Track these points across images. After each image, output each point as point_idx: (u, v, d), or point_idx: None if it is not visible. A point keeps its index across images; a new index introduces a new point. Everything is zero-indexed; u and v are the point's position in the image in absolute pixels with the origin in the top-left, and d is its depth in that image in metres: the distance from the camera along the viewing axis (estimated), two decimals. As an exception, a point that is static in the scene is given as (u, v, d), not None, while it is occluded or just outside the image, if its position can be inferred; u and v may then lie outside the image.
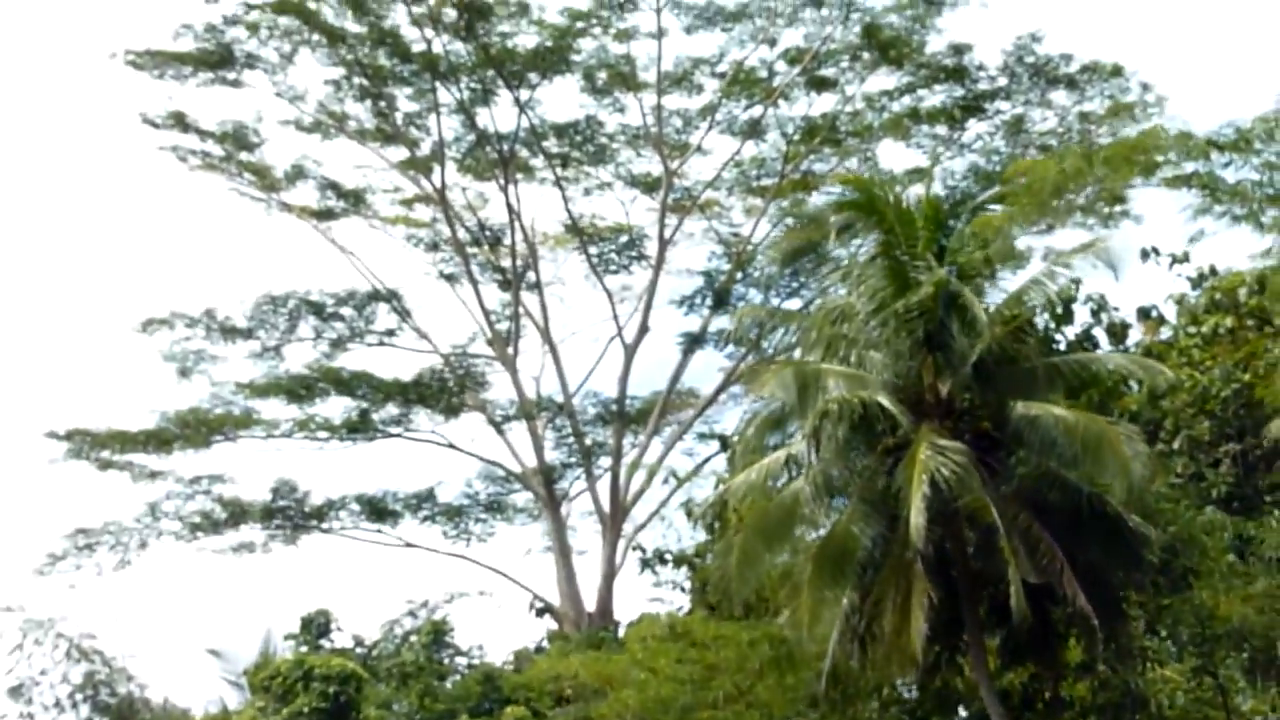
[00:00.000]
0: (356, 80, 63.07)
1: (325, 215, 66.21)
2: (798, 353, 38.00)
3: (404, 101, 64.91)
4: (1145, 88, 56.17)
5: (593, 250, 65.18)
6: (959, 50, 59.06)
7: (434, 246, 67.40)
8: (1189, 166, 36.83)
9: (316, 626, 44.97)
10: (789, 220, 60.99)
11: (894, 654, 33.20)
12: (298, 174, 65.70)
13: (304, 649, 50.90)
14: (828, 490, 34.50)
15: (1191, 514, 36.79)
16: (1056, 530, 33.08)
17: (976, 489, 32.44)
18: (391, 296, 64.46)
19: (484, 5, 59.39)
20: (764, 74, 63.35)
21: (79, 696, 50.31)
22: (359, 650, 54.82)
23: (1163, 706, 37.20)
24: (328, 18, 61.43)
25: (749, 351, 62.48)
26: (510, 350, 63.88)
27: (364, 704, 43.88)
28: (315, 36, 62.16)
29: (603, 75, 63.71)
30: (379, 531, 65.72)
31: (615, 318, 64.62)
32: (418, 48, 62.08)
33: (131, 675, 50.64)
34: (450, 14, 60.09)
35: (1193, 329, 43.46)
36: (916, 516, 31.22)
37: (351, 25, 61.31)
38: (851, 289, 35.81)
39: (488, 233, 65.45)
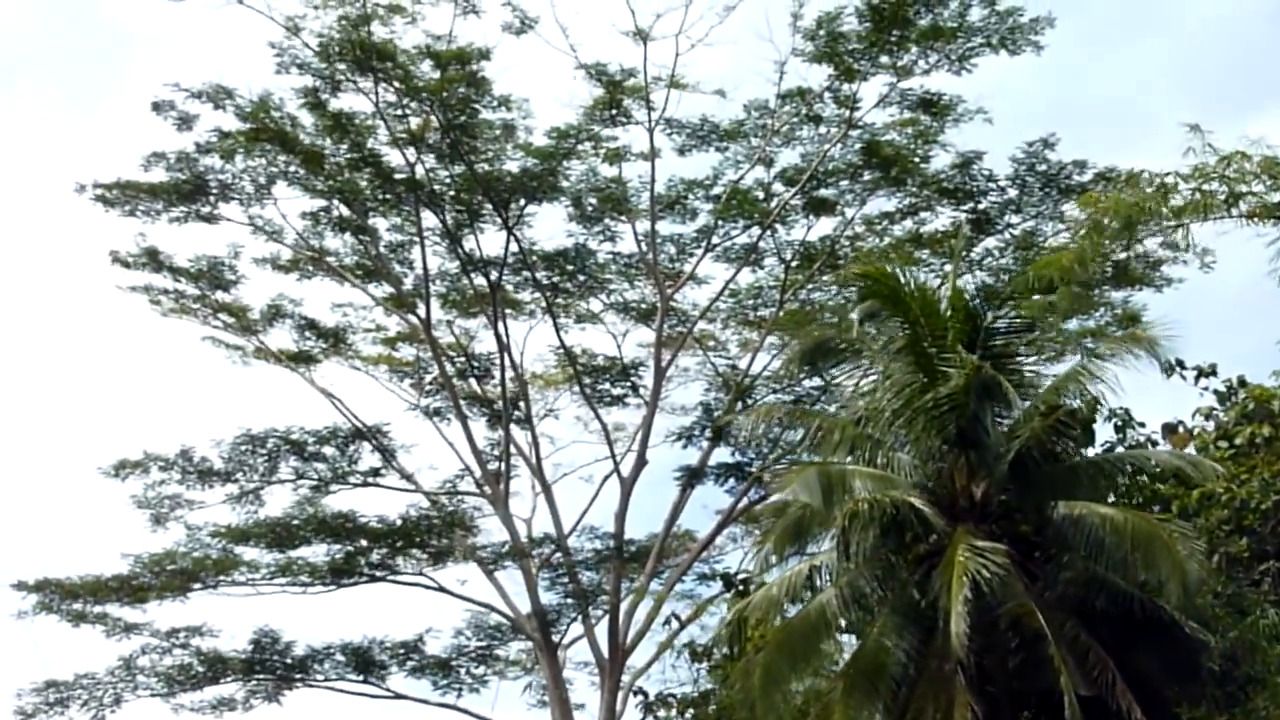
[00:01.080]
0: (336, 211, 60.92)
1: (304, 359, 63.63)
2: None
3: (386, 233, 62.40)
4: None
5: (586, 382, 62.15)
6: (967, 162, 56.61)
7: (418, 384, 64.81)
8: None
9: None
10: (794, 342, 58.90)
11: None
12: (275, 314, 63.85)
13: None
14: (856, 601, 32.15)
15: (1254, 618, 34.37)
16: (1105, 639, 31.07)
17: (1020, 594, 30.70)
18: (375, 433, 62.18)
19: (470, 125, 57.22)
20: (760, 195, 60.61)
21: None
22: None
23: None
24: (306, 141, 59.01)
25: (751, 482, 60.79)
26: (501, 488, 61.01)
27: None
28: (293, 167, 60.05)
29: (593, 200, 61.09)
30: (366, 682, 62.79)
31: (612, 454, 61.82)
32: (400, 175, 59.54)
33: None
34: (434, 136, 57.52)
35: (1223, 442, 41.27)
36: (958, 623, 29.30)
37: (332, 148, 58.55)
38: (877, 386, 33.63)
39: (475, 367, 62.91)
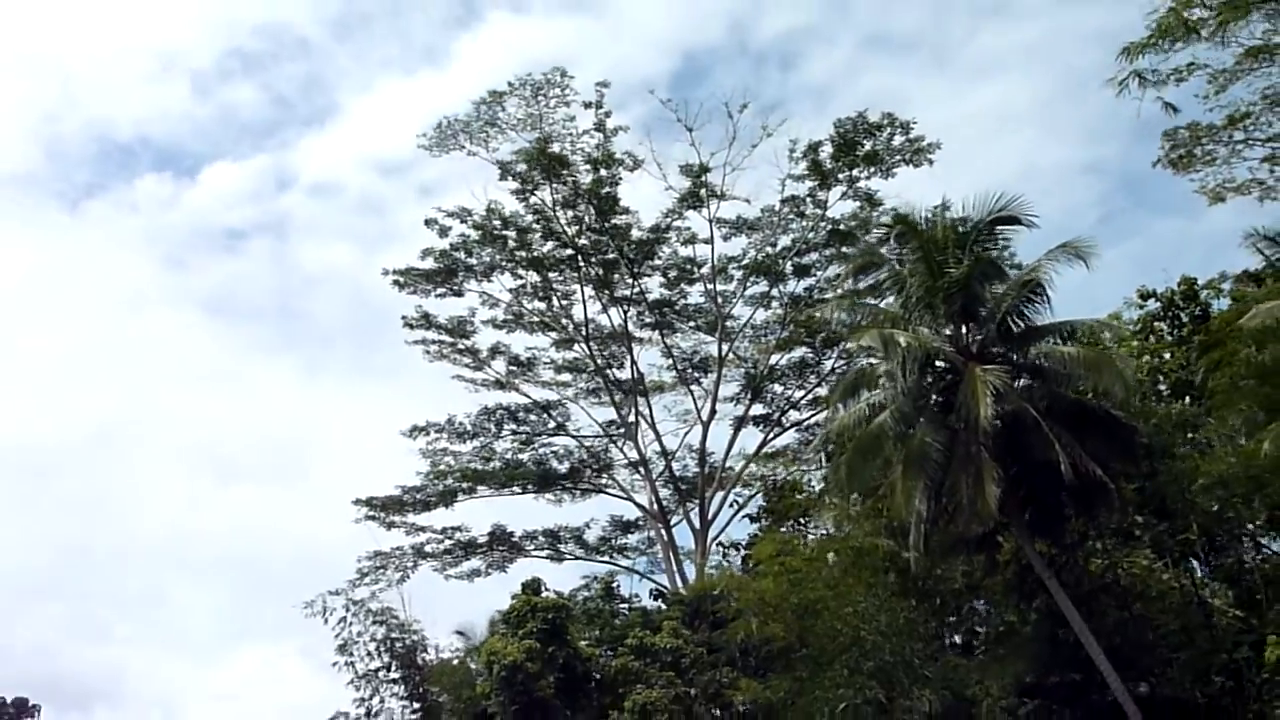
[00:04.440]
0: (529, 280, 55.39)
1: (508, 384, 57.52)
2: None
3: (557, 285, 56.76)
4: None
5: (679, 369, 56.90)
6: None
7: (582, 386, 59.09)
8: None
9: (532, 586, 36.62)
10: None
11: (971, 517, 24.52)
12: (494, 353, 57.01)
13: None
14: (903, 418, 26.21)
15: (1165, 408, 28.18)
16: (1073, 428, 25.68)
17: (1016, 398, 25.03)
18: (550, 407, 56.63)
19: (610, 197, 52.56)
20: (769, 263, 55.27)
21: (381, 648, 43.39)
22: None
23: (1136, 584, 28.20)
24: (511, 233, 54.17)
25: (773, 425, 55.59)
26: (636, 437, 56.28)
27: (570, 626, 35.28)
28: (503, 258, 55.05)
29: (673, 272, 55.53)
30: (556, 553, 56.84)
31: (698, 411, 56.17)
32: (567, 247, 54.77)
33: (414, 633, 42.57)
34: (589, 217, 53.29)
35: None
36: (985, 410, 24.13)
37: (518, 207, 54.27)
38: (905, 283, 27.85)
39: (611, 373, 56.99)
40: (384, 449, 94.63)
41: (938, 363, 26.81)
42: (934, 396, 27.13)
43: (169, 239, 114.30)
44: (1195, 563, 28.75)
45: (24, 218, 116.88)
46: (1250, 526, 27.19)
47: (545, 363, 59.21)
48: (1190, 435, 27.75)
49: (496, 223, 53.67)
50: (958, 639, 31.60)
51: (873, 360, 28.40)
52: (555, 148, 51.08)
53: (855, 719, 25.60)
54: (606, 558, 58.54)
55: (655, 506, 55.14)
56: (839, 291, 50.81)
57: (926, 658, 27.21)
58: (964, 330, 27.42)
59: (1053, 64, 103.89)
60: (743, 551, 48.85)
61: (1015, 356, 26.69)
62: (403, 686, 43.08)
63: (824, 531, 37.27)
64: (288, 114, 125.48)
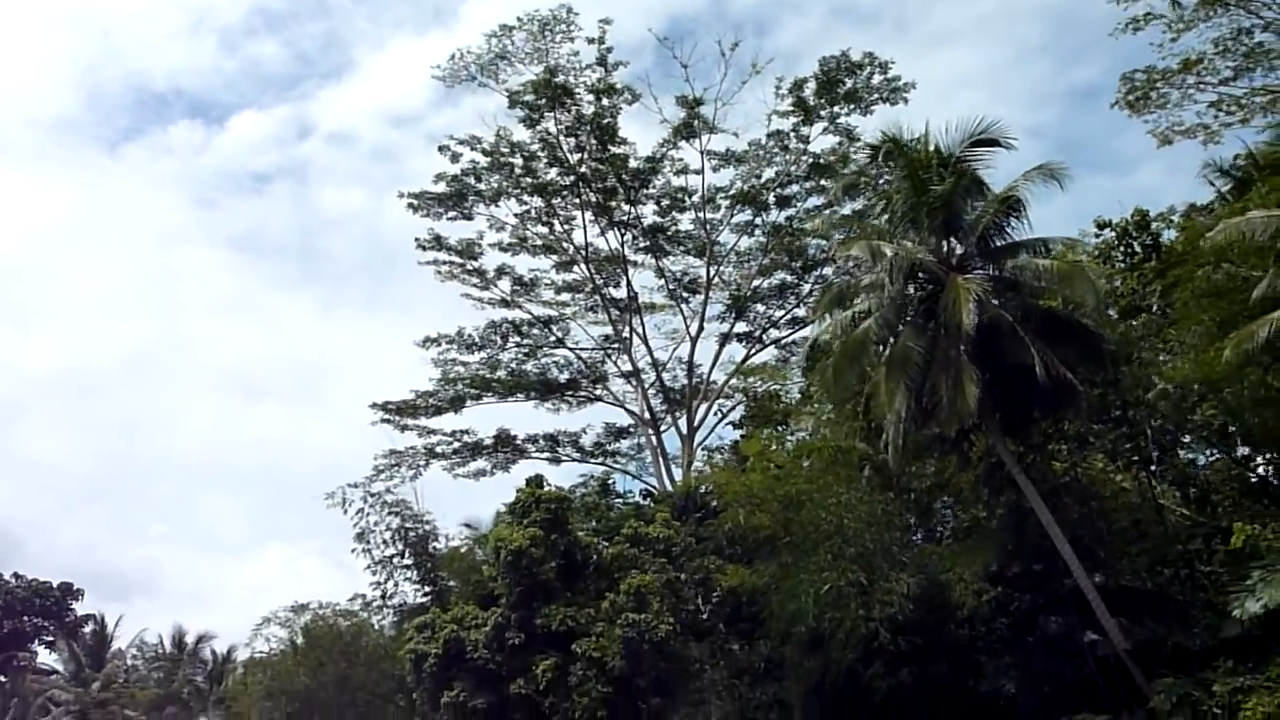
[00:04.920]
0: (534, 206, 54.44)
1: (512, 303, 56.64)
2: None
3: (559, 219, 55.75)
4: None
5: (671, 289, 56.37)
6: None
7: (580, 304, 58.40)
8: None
9: (535, 481, 36.19)
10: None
11: (950, 416, 24.11)
12: (500, 273, 56.21)
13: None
14: (887, 324, 25.68)
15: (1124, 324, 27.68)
16: (1045, 336, 25.22)
17: (994, 306, 24.47)
18: (551, 322, 56.93)
19: (611, 127, 51.64)
20: (754, 193, 54.62)
21: (395, 537, 42.33)
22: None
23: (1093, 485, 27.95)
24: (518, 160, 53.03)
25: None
26: (628, 349, 55.62)
27: (570, 517, 34.96)
28: (509, 184, 54.06)
29: (666, 200, 54.94)
30: (555, 456, 56.66)
31: (685, 326, 55.54)
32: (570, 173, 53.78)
33: (426, 523, 42.06)
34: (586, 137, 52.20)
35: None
36: (969, 317, 23.24)
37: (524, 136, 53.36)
38: (890, 200, 27.18)
39: (608, 292, 56.43)
40: (397, 370, 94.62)
41: (920, 274, 26.15)
42: (917, 305, 26.56)
43: (200, 181, 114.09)
44: (1150, 466, 28.41)
45: (67, 160, 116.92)
46: (1205, 433, 26.77)
47: (547, 283, 58.56)
48: (1151, 344, 27.25)
49: (505, 148, 52.75)
50: (929, 531, 31.38)
51: (858, 273, 27.85)
52: (560, 80, 49.99)
53: (838, 599, 25.35)
54: (601, 460, 58.53)
55: (647, 414, 54.88)
56: (828, 211, 50.49)
57: (903, 546, 26.95)
58: (946, 244, 26.81)
59: (1002, 36, 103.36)
60: (726, 455, 48.69)
61: (993, 269, 26.11)
62: (415, 572, 42.74)
63: (804, 434, 36.88)
64: (308, 68, 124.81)
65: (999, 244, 26.20)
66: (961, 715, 26.22)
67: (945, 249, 26.59)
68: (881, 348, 26.09)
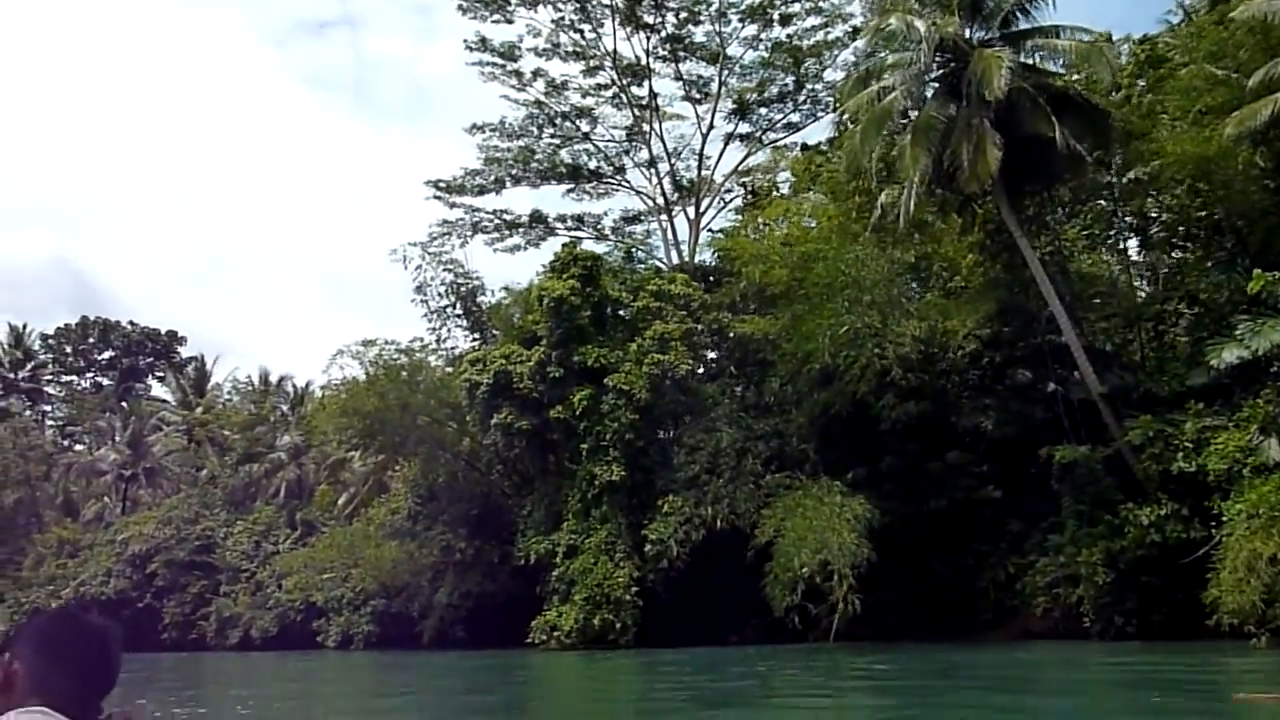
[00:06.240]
0: (567, 11, 49.11)
1: (544, 104, 51.70)
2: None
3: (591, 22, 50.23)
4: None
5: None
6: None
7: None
8: None
9: (571, 244, 33.57)
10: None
11: (970, 177, 20.85)
12: (535, 75, 51.13)
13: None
14: (912, 96, 22.05)
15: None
16: (1057, 112, 21.31)
17: (1017, 80, 20.66)
18: (581, 114, 51.52)
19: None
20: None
21: (448, 290, 40.26)
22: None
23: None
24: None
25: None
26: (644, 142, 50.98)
27: (601, 274, 32.58)
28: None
29: (684, 13, 49.56)
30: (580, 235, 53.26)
31: (698, 121, 51.07)
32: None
33: (476, 279, 39.39)
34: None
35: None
36: (998, 80, 19.37)
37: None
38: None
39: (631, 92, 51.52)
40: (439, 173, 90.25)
41: (944, 53, 22.42)
42: (941, 79, 22.95)
43: (275, 25, 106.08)
44: (1127, 239, 25.47)
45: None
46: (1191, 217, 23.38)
47: (575, 87, 53.93)
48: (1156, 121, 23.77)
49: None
50: (934, 285, 28.66)
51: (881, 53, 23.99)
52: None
53: (854, 339, 22.85)
54: (618, 242, 55.31)
55: (662, 200, 51.40)
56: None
57: (911, 297, 24.31)
58: (970, 28, 22.98)
59: None
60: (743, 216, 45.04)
61: (1014, 50, 22.39)
62: (465, 320, 40.45)
63: (805, 216, 33.53)
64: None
65: (1020, 27, 22.44)
66: (945, 445, 24.24)
67: (971, 28, 22.81)
68: (906, 115, 22.62)
